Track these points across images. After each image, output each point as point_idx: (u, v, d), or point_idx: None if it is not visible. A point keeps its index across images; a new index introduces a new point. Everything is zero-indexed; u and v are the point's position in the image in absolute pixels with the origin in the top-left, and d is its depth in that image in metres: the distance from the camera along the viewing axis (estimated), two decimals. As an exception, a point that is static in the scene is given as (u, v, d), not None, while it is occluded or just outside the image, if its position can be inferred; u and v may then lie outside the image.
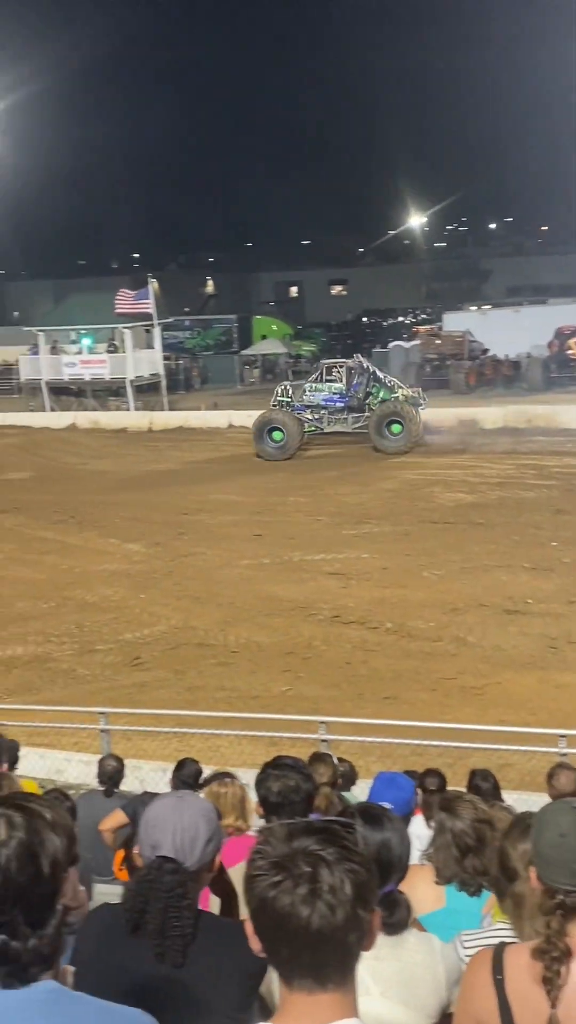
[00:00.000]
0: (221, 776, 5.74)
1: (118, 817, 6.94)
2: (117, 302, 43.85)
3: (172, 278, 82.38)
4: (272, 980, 2.81)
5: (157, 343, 46.86)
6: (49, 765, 11.26)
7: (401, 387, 34.53)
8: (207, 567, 20.81)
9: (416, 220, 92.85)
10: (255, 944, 1.84)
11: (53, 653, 16.43)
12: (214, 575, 20.14)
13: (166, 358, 48.50)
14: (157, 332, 46.51)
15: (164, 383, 46.17)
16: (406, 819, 4.72)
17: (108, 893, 6.33)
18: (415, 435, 32.79)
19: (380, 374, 35.07)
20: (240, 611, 17.83)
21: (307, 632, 16.61)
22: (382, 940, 2.39)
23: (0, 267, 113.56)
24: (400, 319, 78.83)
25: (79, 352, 46.40)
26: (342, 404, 34.00)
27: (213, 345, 65.57)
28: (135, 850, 2.85)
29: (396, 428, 32.79)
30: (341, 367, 34.83)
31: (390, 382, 34.65)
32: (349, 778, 8.13)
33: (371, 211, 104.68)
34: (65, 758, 11.45)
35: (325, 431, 34.42)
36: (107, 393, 46.44)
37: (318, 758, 6.86)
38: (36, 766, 10.74)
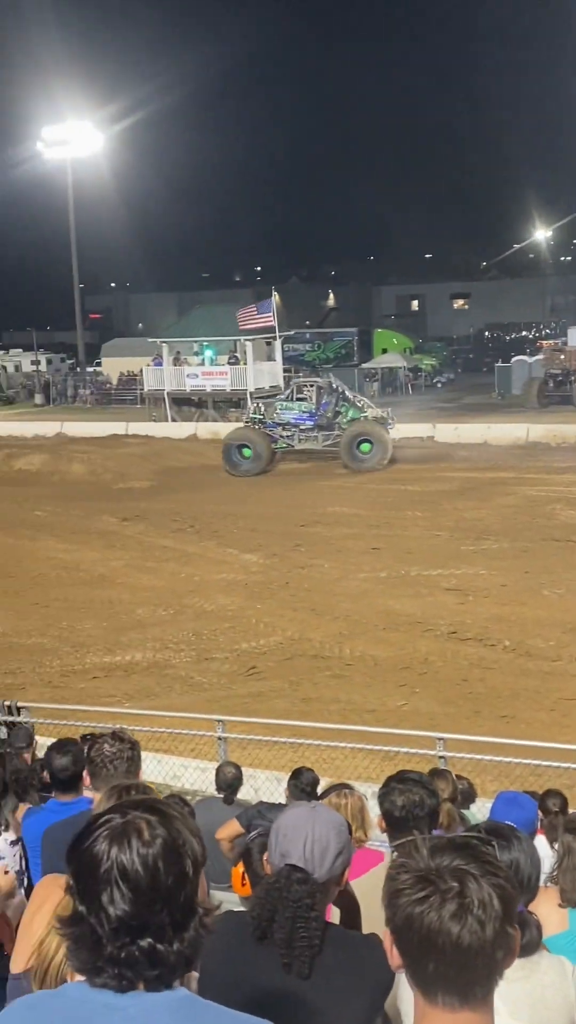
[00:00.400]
0: (339, 787, 5.71)
1: (233, 827, 6.93)
2: (241, 321, 44.28)
3: (294, 291, 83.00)
4: (398, 996, 2.77)
5: (278, 355, 47.15)
6: (166, 770, 11.36)
7: (371, 407, 35.93)
8: (324, 579, 20.81)
9: (541, 234, 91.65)
10: (394, 960, 1.82)
11: (171, 660, 16.63)
12: (331, 587, 20.13)
13: (286, 370, 48.75)
14: (278, 345, 46.80)
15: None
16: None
17: (227, 901, 6.35)
18: (385, 454, 33.97)
19: (349, 394, 36.47)
20: (356, 624, 17.79)
21: (423, 647, 16.48)
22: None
23: (126, 280, 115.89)
24: (523, 334, 77.95)
25: (201, 364, 46.97)
26: (311, 423, 35.46)
27: (333, 358, 65.71)
28: (264, 857, 2.85)
29: (366, 447, 34.12)
30: (311, 386, 36.31)
31: (360, 402, 36.08)
32: (468, 796, 8.02)
33: (495, 225, 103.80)
34: (182, 764, 11.53)
35: (296, 448, 35.87)
36: (228, 404, 46.88)
37: (438, 774, 6.77)
38: (153, 771, 10.85)
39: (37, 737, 9.96)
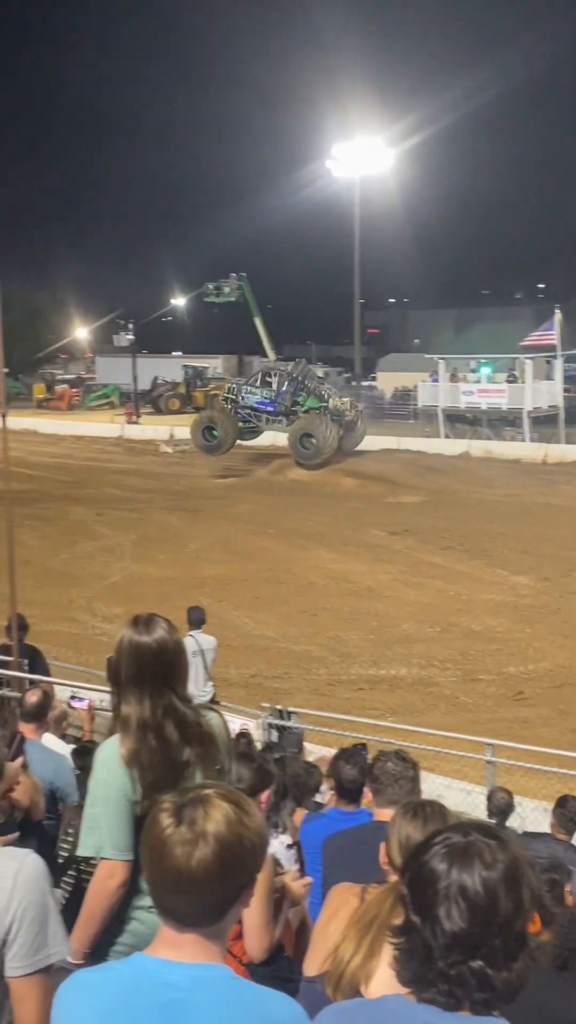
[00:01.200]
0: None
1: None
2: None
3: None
4: None
5: (558, 375, 46.22)
6: (429, 789, 11.20)
7: (335, 397, 36.67)
8: (599, 607, 20.18)
9: None
10: None
11: (436, 677, 16.55)
12: (606, 616, 19.51)
13: (566, 390, 47.73)
14: (559, 364, 45.89)
15: (562, 415, 45.42)
16: None
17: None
18: (322, 449, 34.63)
19: (310, 383, 36.87)
20: None
21: None
22: None
23: (404, 295, 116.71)
24: None
25: (478, 381, 46.65)
26: (271, 409, 36.62)
27: (616, 379, 63.72)
28: (567, 888, 2.78)
29: (311, 443, 34.88)
30: (276, 373, 37.11)
31: (322, 392, 36.42)
32: None
33: None
34: (445, 784, 11.40)
35: (264, 430, 37.55)
36: (503, 423, 46.37)
37: None
38: (416, 788, 10.80)
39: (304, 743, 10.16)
